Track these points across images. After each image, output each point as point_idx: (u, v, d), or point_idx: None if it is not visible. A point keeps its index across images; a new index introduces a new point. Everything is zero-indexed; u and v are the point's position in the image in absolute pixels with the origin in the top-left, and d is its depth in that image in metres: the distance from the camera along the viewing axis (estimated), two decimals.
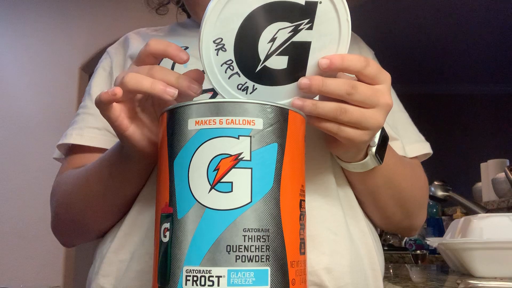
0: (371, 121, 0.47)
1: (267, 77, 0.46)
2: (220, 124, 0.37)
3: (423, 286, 0.63)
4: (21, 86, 3.12)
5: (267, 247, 0.35)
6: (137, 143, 0.49)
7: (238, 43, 0.45)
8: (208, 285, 0.34)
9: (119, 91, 0.44)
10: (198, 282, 0.34)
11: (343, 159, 0.56)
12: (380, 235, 2.52)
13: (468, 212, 1.15)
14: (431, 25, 4.45)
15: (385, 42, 4.87)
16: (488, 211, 1.12)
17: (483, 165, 1.98)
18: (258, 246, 0.35)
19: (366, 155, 0.54)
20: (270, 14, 0.44)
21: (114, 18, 3.09)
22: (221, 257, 0.34)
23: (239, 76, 0.46)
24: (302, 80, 0.44)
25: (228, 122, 0.37)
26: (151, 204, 0.58)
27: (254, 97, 0.47)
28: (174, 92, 0.44)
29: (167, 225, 0.37)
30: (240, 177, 0.36)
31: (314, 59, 0.46)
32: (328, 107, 0.45)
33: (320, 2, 0.44)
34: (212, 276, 0.34)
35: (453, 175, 4.58)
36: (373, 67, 0.47)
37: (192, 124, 0.37)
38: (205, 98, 0.58)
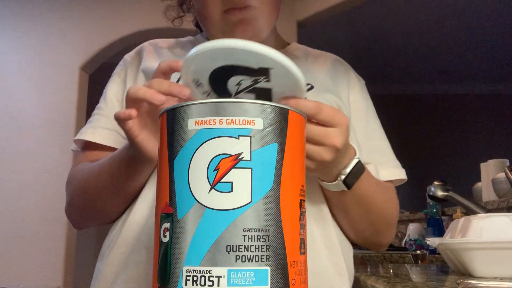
0: (318, 156, 0.56)
1: None
2: (220, 124, 0.37)
3: (423, 286, 0.63)
4: (21, 86, 3.12)
5: (267, 247, 0.35)
6: (144, 148, 0.59)
7: (212, 83, 0.56)
8: (208, 285, 0.34)
9: (134, 113, 0.55)
10: (198, 282, 0.34)
11: (319, 178, 0.65)
12: None
13: (468, 212, 1.15)
14: (431, 25, 4.45)
15: (386, 43, 4.87)
16: (488, 211, 1.12)
17: (483, 165, 1.98)
18: (258, 246, 0.35)
19: (337, 178, 0.63)
20: (232, 70, 0.54)
21: (114, 18, 3.09)
22: (221, 257, 0.34)
23: None
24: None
25: (228, 122, 0.37)
26: (152, 202, 0.69)
27: None
28: (161, 98, 0.53)
29: (167, 225, 0.37)
30: (240, 177, 0.36)
31: (277, 97, 0.56)
32: None
33: (272, 68, 0.52)
34: (212, 276, 0.34)
35: (453, 175, 4.58)
36: (326, 113, 0.55)
37: (192, 124, 0.37)
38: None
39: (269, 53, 0.53)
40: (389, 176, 0.81)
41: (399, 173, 0.83)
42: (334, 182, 0.64)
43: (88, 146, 0.78)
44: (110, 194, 0.70)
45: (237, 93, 0.57)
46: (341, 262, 0.73)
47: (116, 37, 3.09)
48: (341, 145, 0.57)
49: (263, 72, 0.54)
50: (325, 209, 0.72)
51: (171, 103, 0.54)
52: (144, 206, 0.69)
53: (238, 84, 0.56)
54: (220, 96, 0.56)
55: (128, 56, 0.84)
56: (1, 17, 3.16)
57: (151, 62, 0.77)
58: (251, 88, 0.56)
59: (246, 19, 0.73)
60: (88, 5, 3.14)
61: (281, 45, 0.86)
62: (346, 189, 0.64)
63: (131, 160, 0.63)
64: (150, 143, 0.59)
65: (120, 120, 0.57)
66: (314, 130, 0.55)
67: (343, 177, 0.63)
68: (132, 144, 0.59)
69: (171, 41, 0.86)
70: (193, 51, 0.52)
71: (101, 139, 0.76)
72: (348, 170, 0.62)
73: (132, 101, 0.56)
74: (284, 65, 0.53)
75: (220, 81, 0.56)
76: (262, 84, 0.56)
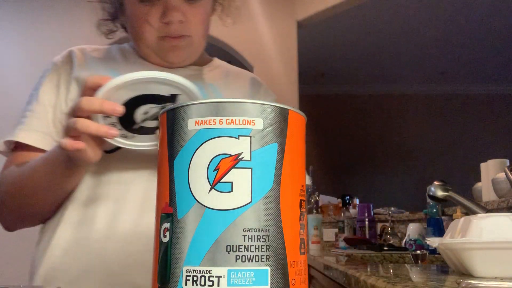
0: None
1: (144, 131, 0.65)
2: (220, 124, 0.37)
3: (423, 286, 0.63)
4: (21, 86, 3.12)
5: (267, 247, 0.35)
6: (84, 158, 0.64)
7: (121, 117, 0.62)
8: (208, 285, 0.34)
9: (82, 146, 0.61)
10: (198, 282, 0.34)
11: None
12: (380, 235, 2.52)
13: (468, 212, 1.15)
14: (431, 25, 4.45)
15: (385, 42, 4.87)
16: (488, 211, 1.12)
17: (483, 165, 1.98)
18: (258, 246, 0.35)
19: None
20: (143, 99, 0.62)
21: None
22: (221, 257, 0.34)
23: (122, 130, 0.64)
24: None
25: (228, 122, 0.37)
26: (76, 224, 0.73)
27: (133, 140, 0.66)
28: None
29: (167, 225, 0.37)
30: (240, 177, 0.36)
31: None
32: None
33: (180, 94, 0.62)
34: (212, 276, 0.34)
35: (453, 175, 4.58)
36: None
37: (192, 124, 0.37)
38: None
39: (182, 82, 0.61)
40: None
41: None
42: None
43: (20, 148, 0.79)
44: (43, 196, 0.73)
45: (144, 120, 0.64)
46: None
47: (116, 38, 3.09)
48: None
49: (172, 99, 0.62)
50: None
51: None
52: (68, 228, 0.73)
53: (146, 112, 0.63)
54: (125, 127, 0.64)
55: (58, 61, 0.85)
56: (1, 17, 3.16)
57: (83, 71, 0.80)
58: (157, 115, 0.62)
59: (179, 46, 0.79)
60: (88, 6, 3.14)
61: (205, 62, 0.91)
62: None
63: (68, 162, 0.66)
64: (89, 151, 0.63)
65: (67, 150, 0.62)
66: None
67: None
68: (73, 156, 0.64)
69: (100, 49, 0.88)
70: (104, 88, 0.59)
71: (36, 142, 0.77)
72: None
73: (76, 131, 0.60)
74: (193, 92, 0.61)
75: (128, 111, 0.62)
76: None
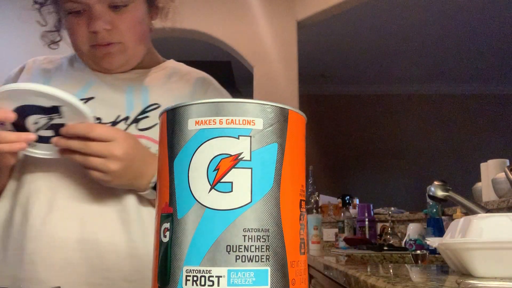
0: (105, 167, 0.69)
1: (42, 139, 0.71)
2: (220, 124, 0.37)
3: (423, 286, 0.63)
4: None
5: (267, 247, 0.35)
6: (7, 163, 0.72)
7: (13, 123, 0.68)
8: (208, 285, 0.34)
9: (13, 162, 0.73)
10: (198, 282, 0.34)
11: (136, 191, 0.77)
12: (380, 235, 2.52)
13: (468, 212, 1.15)
14: (431, 25, 4.45)
15: (385, 42, 4.87)
16: (488, 211, 1.12)
17: (483, 165, 1.98)
18: (258, 246, 0.35)
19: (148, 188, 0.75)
20: (28, 110, 0.67)
21: None
22: (221, 257, 0.34)
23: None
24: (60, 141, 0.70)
25: (228, 122, 0.37)
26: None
27: (38, 148, 0.73)
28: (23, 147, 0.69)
29: (167, 225, 0.37)
30: (240, 177, 0.36)
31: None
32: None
33: (62, 106, 0.66)
34: (212, 276, 0.34)
35: (453, 175, 4.58)
36: (98, 131, 0.68)
37: (192, 124, 0.37)
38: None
39: (55, 93, 0.64)
40: None
41: None
42: (147, 192, 0.75)
43: None
44: None
45: (37, 130, 0.69)
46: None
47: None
48: (121, 153, 0.69)
49: (55, 110, 0.66)
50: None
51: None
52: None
53: (36, 122, 0.68)
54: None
55: (12, 72, 0.91)
56: (1, 17, 3.16)
57: (23, 81, 0.85)
58: (48, 125, 0.68)
59: (111, 53, 0.81)
60: None
61: (154, 64, 0.92)
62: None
63: None
64: (6, 157, 0.70)
65: None
66: (94, 146, 0.68)
67: (151, 185, 0.74)
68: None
69: (54, 59, 0.92)
70: None
71: None
72: (155, 179, 0.72)
73: None
74: (70, 102, 0.65)
75: (20, 120, 0.67)
76: (57, 120, 0.68)
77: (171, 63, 0.95)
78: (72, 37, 0.83)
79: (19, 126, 0.69)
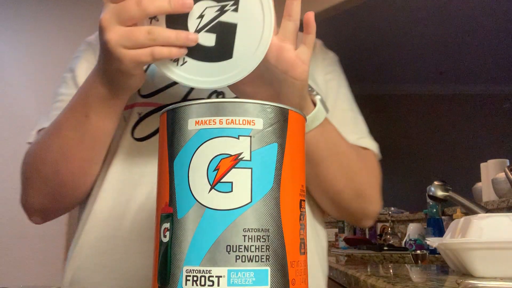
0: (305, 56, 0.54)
1: (197, 52, 0.50)
2: (220, 124, 0.37)
3: (423, 286, 0.63)
4: (21, 86, 3.12)
5: (267, 247, 0.35)
6: (136, 76, 0.54)
7: (169, 17, 0.50)
8: (208, 285, 0.34)
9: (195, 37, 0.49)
10: (198, 282, 0.34)
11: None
12: (380, 235, 2.52)
13: (468, 212, 1.15)
14: (431, 24, 4.45)
15: (386, 42, 4.87)
16: (488, 211, 1.12)
17: (483, 165, 1.98)
18: (258, 246, 0.35)
19: (308, 112, 0.59)
20: None
21: None
22: (221, 257, 0.34)
23: None
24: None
25: (228, 122, 0.37)
26: (112, 195, 0.63)
27: (184, 70, 0.51)
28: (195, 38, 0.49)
29: (167, 225, 0.37)
30: (240, 177, 0.36)
31: (240, 41, 0.50)
32: None
33: None
34: (212, 276, 0.34)
35: (453, 175, 4.58)
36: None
37: (192, 124, 0.37)
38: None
39: None
40: (367, 145, 0.74)
41: (375, 146, 0.76)
42: (314, 111, 0.59)
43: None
44: (75, 154, 0.60)
45: (197, 31, 0.50)
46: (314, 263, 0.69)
47: None
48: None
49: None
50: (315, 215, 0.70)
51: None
52: (107, 195, 0.64)
53: (201, 16, 0.50)
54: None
55: (92, 40, 0.78)
56: (1, 17, 3.17)
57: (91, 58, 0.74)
58: (214, 22, 0.50)
59: None
60: (89, 5, 3.14)
61: None
62: (326, 110, 0.61)
63: (107, 96, 0.56)
64: (139, 74, 0.54)
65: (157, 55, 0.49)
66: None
67: (318, 97, 0.60)
68: (130, 69, 0.51)
69: None
70: None
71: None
72: (319, 96, 0.60)
73: (150, 42, 0.48)
74: None
75: (179, 15, 0.49)
76: (228, 15, 0.50)
77: None
78: None
79: (176, 20, 0.50)
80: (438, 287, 0.63)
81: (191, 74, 0.51)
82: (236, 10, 0.50)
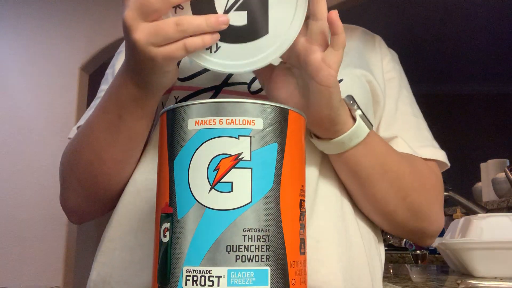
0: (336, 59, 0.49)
1: (229, 34, 0.46)
2: (220, 124, 0.37)
3: (423, 286, 0.63)
4: (21, 86, 3.12)
5: (267, 247, 0.35)
6: (170, 70, 0.50)
7: (194, 2, 0.46)
8: (208, 285, 0.34)
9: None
10: (198, 282, 0.34)
11: (323, 135, 0.54)
12: None
13: (468, 212, 1.15)
14: (431, 24, 4.45)
15: (386, 42, 4.85)
16: (488, 211, 1.12)
17: (483, 165, 1.98)
18: (258, 246, 0.35)
19: (345, 128, 0.53)
20: None
21: (114, 18, 3.09)
22: (221, 257, 0.34)
23: None
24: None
25: (228, 122, 0.37)
26: (145, 194, 0.59)
27: (219, 56, 0.46)
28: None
29: (167, 225, 0.37)
30: (240, 177, 0.36)
31: (274, 13, 0.46)
32: None
33: None
34: (212, 276, 0.34)
35: (453, 175, 4.58)
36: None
37: (192, 124, 0.37)
38: (205, 98, 0.60)
39: None
40: (429, 155, 0.68)
41: (440, 155, 0.70)
42: (353, 127, 0.53)
43: None
44: (108, 154, 0.58)
45: (226, 12, 0.46)
46: (363, 263, 0.60)
47: (116, 37, 3.09)
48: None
49: None
50: (346, 207, 0.61)
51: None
52: (135, 189, 0.60)
53: None
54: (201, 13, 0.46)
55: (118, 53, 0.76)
56: (1, 17, 3.17)
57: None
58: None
59: None
60: (88, 5, 3.14)
61: None
62: (370, 125, 0.54)
63: (139, 96, 0.54)
64: (174, 69, 0.51)
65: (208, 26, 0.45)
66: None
67: (359, 112, 0.53)
68: (164, 65, 0.48)
69: None
70: None
71: None
72: (360, 112, 0.54)
73: (180, 34, 0.45)
74: None
75: None
76: None
77: None
78: None
79: (202, 7, 0.46)
80: (438, 287, 0.63)
81: (227, 59, 0.46)
82: None
